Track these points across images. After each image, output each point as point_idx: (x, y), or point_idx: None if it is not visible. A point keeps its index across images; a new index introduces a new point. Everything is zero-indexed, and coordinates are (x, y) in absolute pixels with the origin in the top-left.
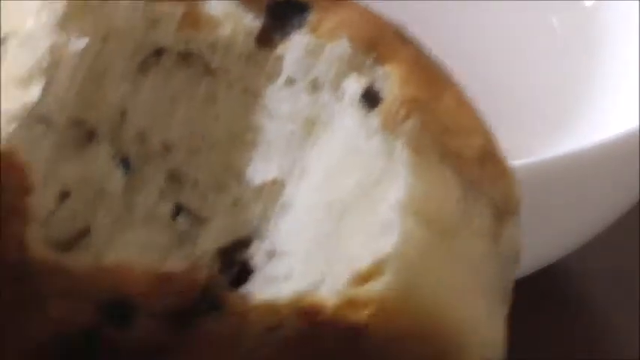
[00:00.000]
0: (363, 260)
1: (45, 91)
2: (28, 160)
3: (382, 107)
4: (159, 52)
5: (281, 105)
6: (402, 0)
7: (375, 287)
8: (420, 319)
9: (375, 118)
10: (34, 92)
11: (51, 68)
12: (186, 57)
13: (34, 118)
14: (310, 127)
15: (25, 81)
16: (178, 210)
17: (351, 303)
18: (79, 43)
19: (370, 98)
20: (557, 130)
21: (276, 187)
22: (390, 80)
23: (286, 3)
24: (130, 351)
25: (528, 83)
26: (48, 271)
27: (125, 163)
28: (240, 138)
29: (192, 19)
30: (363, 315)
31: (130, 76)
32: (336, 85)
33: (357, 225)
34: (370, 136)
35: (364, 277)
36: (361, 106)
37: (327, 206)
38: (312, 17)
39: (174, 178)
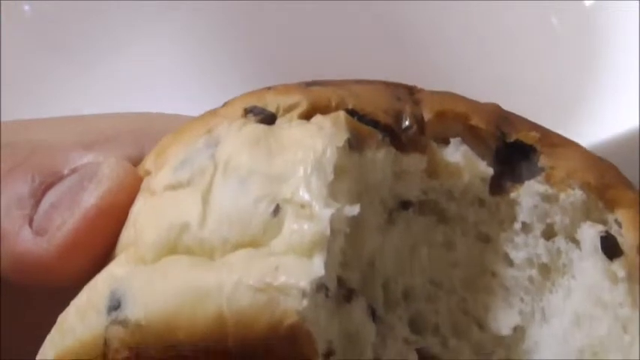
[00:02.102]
0: None
1: (326, 261)
2: (311, 330)
3: (624, 258)
4: (404, 204)
5: (518, 251)
6: (404, 0)
7: None
8: None
9: (619, 269)
10: (318, 264)
11: (331, 239)
12: (423, 205)
13: (317, 288)
14: (547, 272)
15: (308, 252)
16: (423, 357)
17: None
18: (352, 210)
19: (609, 247)
20: (557, 130)
21: (518, 334)
22: (624, 227)
23: (513, 146)
24: None
25: (528, 83)
26: None
27: (372, 312)
28: (477, 283)
29: (433, 168)
30: None
31: (380, 228)
32: (571, 232)
33: None
34: (614, 286)
35: None
36: (602, 255)
37: (578, 353)
38: (542, 164)
39: (415, 323)
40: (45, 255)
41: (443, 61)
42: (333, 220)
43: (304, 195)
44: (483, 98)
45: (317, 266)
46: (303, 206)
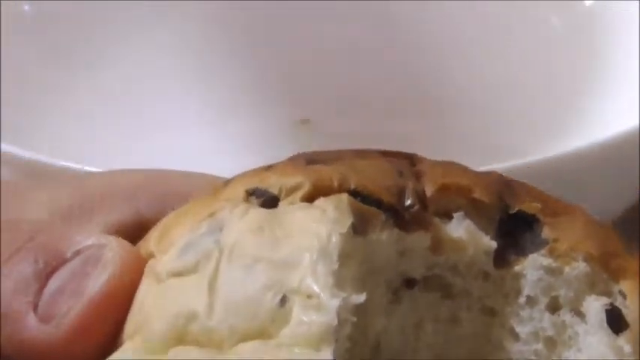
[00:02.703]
0: None
1: (334, 353)
2: None
3: (630, 332)
4: (408, 282)
5: (523, 325)
6: (403, 0)
7: None
8: None
9: (625, 344)
10: (326, 357)
11: (338, 329)
12: (427, 281)
13: None
14: (553, 345)
15: (316, 344)
16: None
17: None
18: (359, 299)
19: (614, 320)
20: (557, 130)
21: None
22: (629, 299)
23: (515, 216)
24: None
25: (528, 83)
26: None
27: None
28: (483, 357)
29: (437, 244)
30: None
31: (385, 309)
32: (576, 305)
33: None
34: None
35: None
36: (608, 329)
37: None
38: (545, 236)
39: None
40: (51, 342)
41: (443, 62)
42: (340, 311)
43: (311, 285)
44: (483, 98)
45: (325, 359)
46: (310, 296)
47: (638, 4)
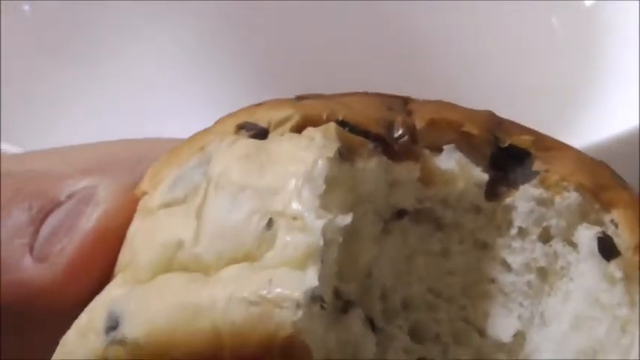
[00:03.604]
0: None
1: (320, 272)
2: (307, 342)
3: (621, 259)
4: (399, 213)
5: (515, 256)
6: (403, 0)
7: None
8: None
9: (616, 270)
10: (311, 275)
11: (324, 250)
12: (418, 214)
13: (311, 299)
14: (545, 276)
15: (301, 264)
16: None
17: None
18: (344, 220)
19: (606, 248)
20: (556, 130)
21: (518, 338)
22: (620, 228)
23: (507, 150)
24: None
25: (528, 83)
26: None
27: (371, 323)
28: (475, 290)
29: (427, 176)
30: None
31: (376, 239)
32: (568, 235)
33: None
34: (612, 287)
35: None
36: (599, 257)
37: (578, 354)
38: (537, 168)
39: (416, 333)
40: (47, 281)
41: (443, 62)
42: (325, 231)
43: (296, 207)
44: (483, 98)
45: (310, 277)
46: (295, 218)
47: (638, 4)
